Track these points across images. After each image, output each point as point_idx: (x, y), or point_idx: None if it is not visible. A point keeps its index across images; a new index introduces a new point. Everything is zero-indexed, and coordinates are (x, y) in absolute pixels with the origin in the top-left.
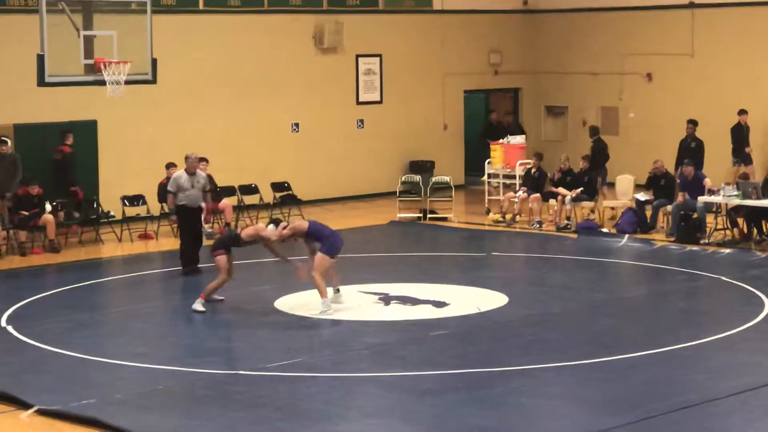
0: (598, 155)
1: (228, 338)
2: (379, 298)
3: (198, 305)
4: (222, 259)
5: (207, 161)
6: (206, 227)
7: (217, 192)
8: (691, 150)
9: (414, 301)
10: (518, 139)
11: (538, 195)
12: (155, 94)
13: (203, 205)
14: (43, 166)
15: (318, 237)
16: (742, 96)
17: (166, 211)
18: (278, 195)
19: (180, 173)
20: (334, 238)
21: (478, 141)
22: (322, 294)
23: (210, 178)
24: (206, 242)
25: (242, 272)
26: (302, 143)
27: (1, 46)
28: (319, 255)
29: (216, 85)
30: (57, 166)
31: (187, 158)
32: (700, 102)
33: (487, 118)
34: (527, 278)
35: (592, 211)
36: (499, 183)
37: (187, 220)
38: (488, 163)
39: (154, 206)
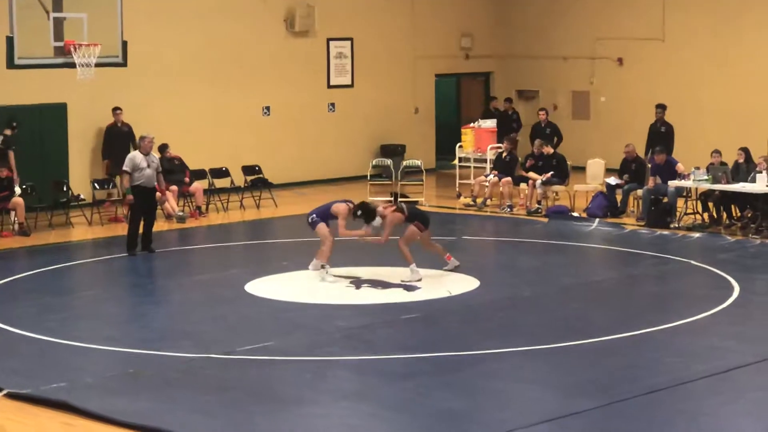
0: None
1: (198, 321)
2: (350, 282)
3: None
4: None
5: (168, 146)
6: (177, 211)
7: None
8: (661, 134)
9: (385, 285)
10: (489, 123)
11: (509, 179)
12: (125, 77)
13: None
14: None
15: None
16: (713, 80)
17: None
18: (249, 178)
19: (135, 153)
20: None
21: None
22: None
23: (181, 161)
24: (179, 225)
25: (212, 256)
26: (273, 127)
27: None
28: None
29: (187, 68)
30: None
31: (143, 138)
32: (671, 86)
33: (487, 104)
34: (498, 262)
35: (556, 193)
36: (470, 167)
37: (142, 201)
38: (459, 146)
39: None
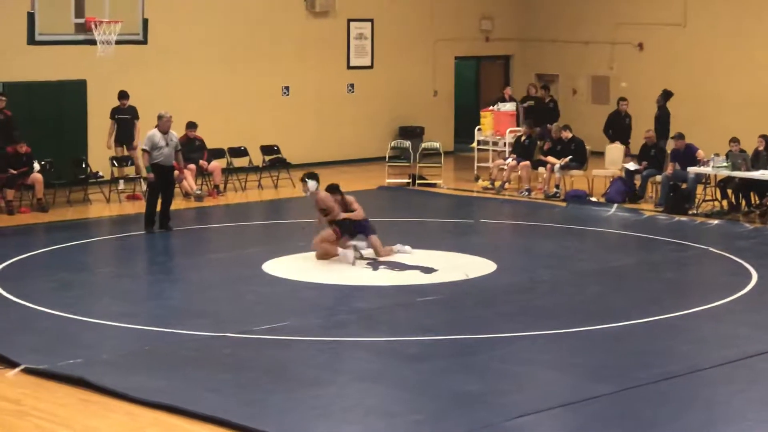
0: None
1: (215, 300)
2: (367, 263)
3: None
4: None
5: (196, 126)
6: (195, 189)
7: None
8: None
9: (402, 267)
10: (508, 107)
11: (527, 162)
12: (146, 55)
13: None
14: (31, 124)
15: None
16: (734, 67)
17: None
18: (268, 158)
19: (154, 132)
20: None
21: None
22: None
23: (201, 141)
24: (197, 204)
25: (230, 235)
26: (292, 107)
27: None
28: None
29: (207, 47)
30: None
31: (161, 117)
32: (692, 72)
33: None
34: (515, 246)
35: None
36: (489, 150)
37: (160, 179)
38: (478, 129)
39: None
